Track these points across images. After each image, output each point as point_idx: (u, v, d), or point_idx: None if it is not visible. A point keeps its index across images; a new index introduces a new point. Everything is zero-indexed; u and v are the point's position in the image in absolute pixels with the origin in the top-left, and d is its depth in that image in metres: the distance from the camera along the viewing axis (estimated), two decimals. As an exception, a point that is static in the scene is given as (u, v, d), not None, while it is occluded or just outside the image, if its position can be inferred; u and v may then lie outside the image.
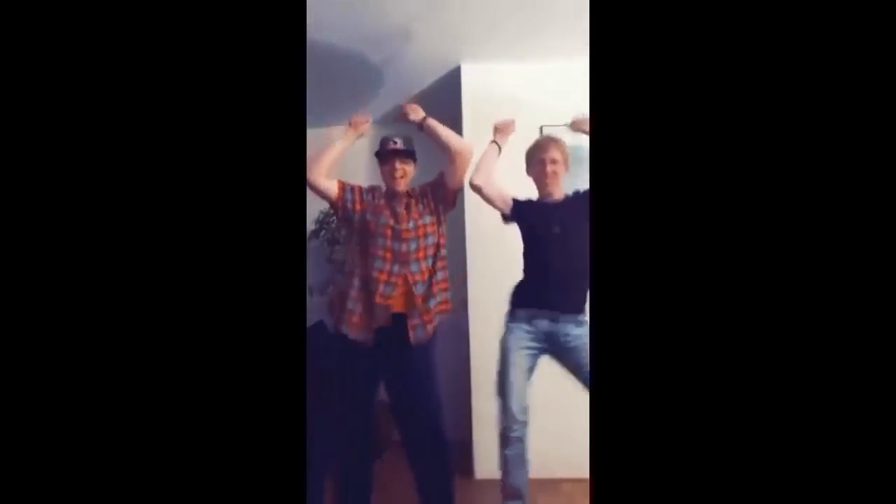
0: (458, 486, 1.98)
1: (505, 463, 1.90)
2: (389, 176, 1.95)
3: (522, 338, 1.91)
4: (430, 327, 1.87)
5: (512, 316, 1.96)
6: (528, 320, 1.92)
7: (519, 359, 1.89)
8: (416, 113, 1.95)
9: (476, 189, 2.01)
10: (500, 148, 2.05)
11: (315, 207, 3.17)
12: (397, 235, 1.87)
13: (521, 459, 1.90)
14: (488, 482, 2.56)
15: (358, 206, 1.95)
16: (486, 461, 2.63)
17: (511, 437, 1.87)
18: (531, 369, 1.91)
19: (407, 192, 1.96)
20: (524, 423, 1.88)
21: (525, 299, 1.96)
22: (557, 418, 2.45)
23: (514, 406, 1.86)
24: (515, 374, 1.88)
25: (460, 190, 2.00)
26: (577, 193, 2.02)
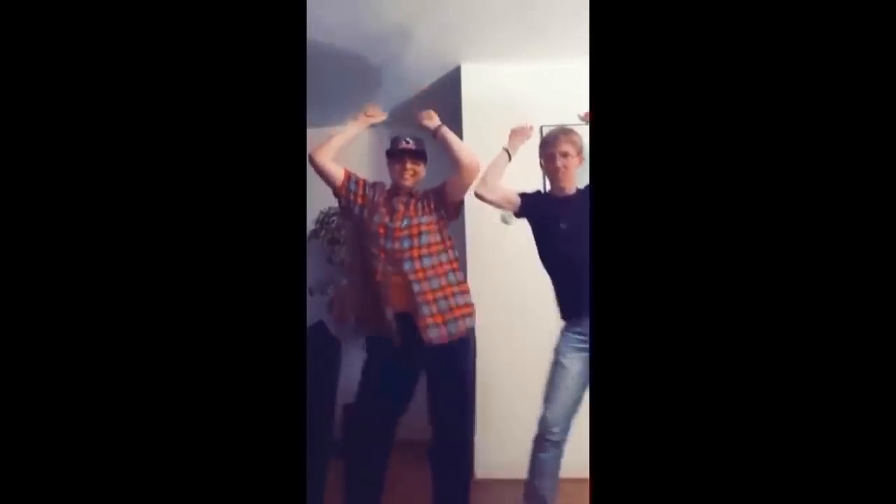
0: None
1: (536, 466, 1.84)
2: (399, 175, 1.94)
3: (572, 340, 1.87)
4: (444, 329, 1.83)
5: (566, 323, 1.93)
6: (580, 323, 1.87)
7: (568, 362, 1.85)
8: (432, 120, 1.94)
9: (480, 198, 1.99)
10: (510, 156, 2.03)
11: (315, 207, 3.18)
12: (390, 234, 1.86)
13: (554, 465, 1.84)
14: (488, 482, 2.56)
15: (360, 200, 1.95)
16: (487, 461, 2.63)
17: (547, 442, 1.82)
18: (584, 372, 1.85)
19: (410, 191, 1.96)
20: (564, 429, 1.82)
21: (568, 304, 1.92)
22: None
23: (557, 410, 1.82)
24: (561, 378, 1.84)
25: (461, 202, 1.99)
26: (588, 188, 1.94)
